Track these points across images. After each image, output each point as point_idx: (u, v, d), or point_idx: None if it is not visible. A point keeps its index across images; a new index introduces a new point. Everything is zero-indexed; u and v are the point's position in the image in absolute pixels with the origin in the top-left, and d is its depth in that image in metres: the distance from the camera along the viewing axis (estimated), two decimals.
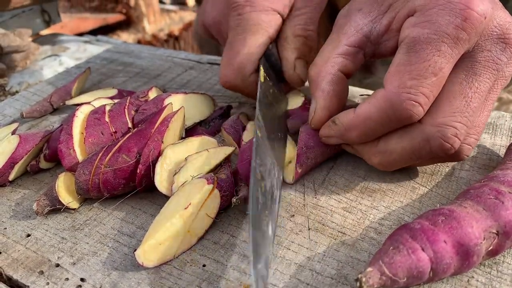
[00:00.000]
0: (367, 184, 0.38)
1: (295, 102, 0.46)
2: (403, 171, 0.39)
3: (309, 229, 0.34)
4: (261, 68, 0.43)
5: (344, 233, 0.34)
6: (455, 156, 0.35)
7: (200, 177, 0.35)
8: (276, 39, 0.45)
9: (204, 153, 0.38)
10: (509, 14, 0.34)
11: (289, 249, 0.32)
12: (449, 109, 0.33)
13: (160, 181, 0.36)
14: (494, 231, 0.29)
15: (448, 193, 0.37)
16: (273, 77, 0.45)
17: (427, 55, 0.32)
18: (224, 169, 0.37)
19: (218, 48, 1.09)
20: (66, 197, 0.37)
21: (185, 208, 0.32)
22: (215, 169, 0.38)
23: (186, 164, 0.37)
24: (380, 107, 0.33)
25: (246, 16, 0.43)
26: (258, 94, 0.39)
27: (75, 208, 0.37)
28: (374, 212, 0.35)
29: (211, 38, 0.52)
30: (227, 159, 0.39)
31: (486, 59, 0.33)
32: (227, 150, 0.39)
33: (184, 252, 0.33)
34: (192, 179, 0.35)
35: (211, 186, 0.34)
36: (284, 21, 0.45)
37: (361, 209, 0.36)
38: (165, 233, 0.32)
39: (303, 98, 0.46)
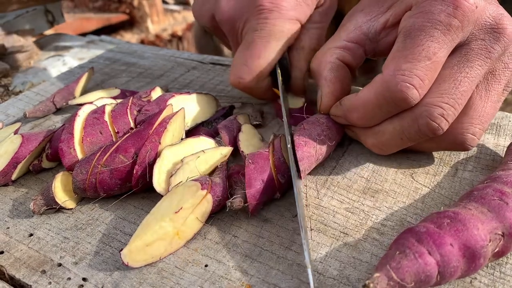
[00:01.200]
0: (370, 185, 0.38)
1: (296, 103, 0.48)
2: (406, 172, 0.39)
3: (311, 230, 0.34)
4: (279, 71, 0.45)
5: (346, 234, 0.33)
6: (458, 145, 0.37)
7: (195, 180, 0.35)
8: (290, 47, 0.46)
9: (200, 154, 0.38)
10: (501, 7, 0.35)
11: (291, 249, 0.32)
12: (437, 90, 0.34)
13: (158, 182, 0.36)
14: (500, 232, 0.28)
15: (451, 194, 0.37)
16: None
17: (420, 41, 0.34)
18: (220, 171, 0.37)
19: (217, 50, 1.09)
20: (63, 197, 0.37)
21: (176, 212, 0.32)
22: (212, 170, 0.38)
23: (182, 166, 0.36)
24: (377, 90, 0.35)
25: (272, 21, 0.43)
26: (281, 92, 0.43)
27: (72, 208, 0.37)
28: (377, 212, 0.35)
29: (214, 32, 0.51)
30: (224, 160, 0.39)
31: (479, 47, 0.34)
32: (223, 151, 0.39)
33: (171, 254, 0.33)
34: (187, 180, 0.35)
35: (204, 191, 0.33)
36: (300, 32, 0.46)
37: (364, 209, 0.36)
38: (153, 235, 0.32)
39: (303, 100, 0.48)
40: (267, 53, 0.44)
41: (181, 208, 0.32)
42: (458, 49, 0.35)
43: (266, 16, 0.43)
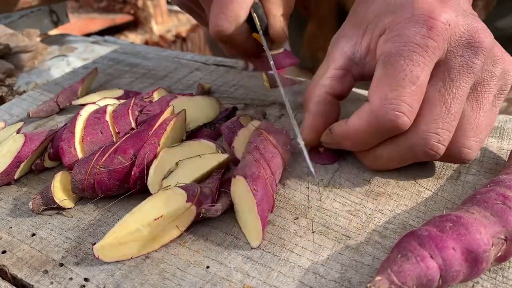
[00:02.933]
0: (372, 187, 0.38)
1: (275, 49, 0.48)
2: (408, 175, 0.39)
3: (313, 232, 0.34)
4: (254, 15, 0.44)
5: (348, 236, 0.33)
6: (455, 159, 0.37)
7: (184, 188, 0.34)
8: None
9: (196, 159, 0.37)
10: (478, 19, 0.35)
11: (293, 252, 0.32)
12: (430, 116, 0.34)
13: (153, 184, 0.36)
14: (503, 237, 0.28)
15: (453, 197, 0.36)
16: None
17: (401, 66, 0.34)
18: (212, 180, 0.36)
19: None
20: (61, 197, 0.37)
21: (155, 219, 0.32)
22: (206, 177, 0.37)
23: (176, 169, 0.36)
24: (367, 120, 0.35)
25: None
26: (260, 34, 0.42)
27: (70, 208, 0.37)
28: (379, 215, 0.35)
29: (189, 10, 0.51)
30: (221, 167, 0.38)
31: (460, 64, 0.34)
32: (220, 158, 0.38)
33: (143, 255, 0.33)
34: (176, 185, 0.34)
35: (189, 204, 0.33)
36: None
37: (366, 212, 0.35)
38: (128, 235, 0.32)
39: (283, 49, 0.48)
40: None
41: (161, 216, 0.32)
42: (439, 69, 0.35)
43: None
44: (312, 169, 0.34)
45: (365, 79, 0.41)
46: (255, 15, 0.44)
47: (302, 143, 0.35)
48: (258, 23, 0.44)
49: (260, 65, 0.50)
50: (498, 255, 0.28)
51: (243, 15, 0.44)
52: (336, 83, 0.39)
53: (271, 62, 0.42)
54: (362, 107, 0.36)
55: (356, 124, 0.36)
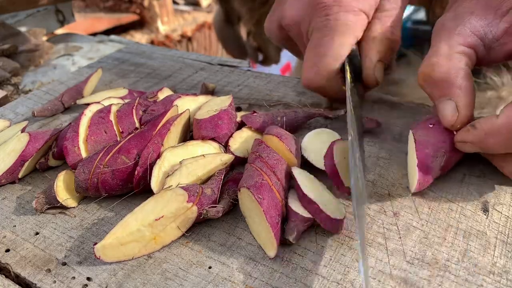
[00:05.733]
0: (376, 189, 0.38)
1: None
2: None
3: (316, 233, 0.34)
4: (347, 68, 0.43)
5: (351, 238, 0.33)
6: None
7: (185, 188, 0.34)
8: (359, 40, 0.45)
9: (199, 159, 0.37)
10: None
11: (295, 253, 0.32)
12: None
13: (156, 183, 0.36)
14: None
15: (457, 199, 0.36)
16: (353, 77, 0.45)
17: None
18: (214, 181, 0.36)
19: (241, 47, 1.10)
20: (64, 196, 0.37)
21: (156, 220, 0.32)
22: (209, 176, 0.37)
23: (180, 168, 0.36)
24: None
25: (334, 16, 0.42)
26: (347, 94, 0.39)
27: (73, 207, 0.38)
28: (382, 217, 0.35)
29: (284, 42, 0.51)
30: (223, 167, 0.38)
31: None
32: (223, 158, 0.38)
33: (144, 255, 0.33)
34: (178, 185, 0.34)
35: (190, 204, 0.33)
36: (369, 22, 0.44)
37: (369, 213, 0.35)
38: (129, 236, 0.32)
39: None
40: (333, 49, 0.42)
41: (162, 217, 0.32)
42: None
43: (327, 12, 0.42)
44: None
45: (483, 63, 0.37)
46: (347, 68, 0.43)
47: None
48: (348, 78, 0.42)
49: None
50: None
51: (336, 69, 0.43)
52: (468, 60, 0.35)
53: (348, 115, 0.38)
54: None
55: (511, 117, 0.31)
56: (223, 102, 0.44)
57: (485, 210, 0.35)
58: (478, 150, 0.35)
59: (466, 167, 0.40)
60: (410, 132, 0.38)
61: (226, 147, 0.41)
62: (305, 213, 0.33)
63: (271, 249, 0.32)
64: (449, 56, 0.35)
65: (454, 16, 0.37)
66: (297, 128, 0.46)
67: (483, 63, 0.37)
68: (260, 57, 1.08)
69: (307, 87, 0.45)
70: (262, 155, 0.36)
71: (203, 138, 0.40)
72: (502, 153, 0.35)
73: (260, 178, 0.34)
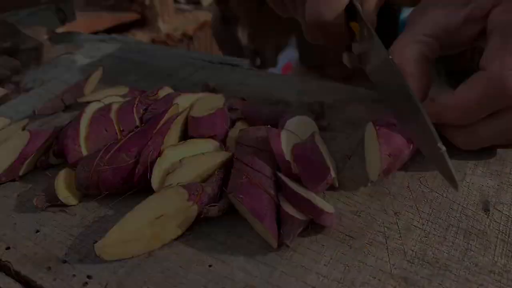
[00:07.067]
0: (377, 188, 0.38)
1: None
2: (413, 176, 0.39)
3: (316, 233, 0.34)
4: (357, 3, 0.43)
5: (351, 237, 0.33)
6: None
7: (186, 186, 0.34)
8: None
9: (199, 157, 0.37)
10: None
11: (296, 251, 0.32)
12: None
13: (157, 181, 0.36)
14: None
15: (458, 199, 0.36)
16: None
17: None
18: (214, 180, 0.36)
19: (238, 50, 1.10)
20: (65, 194, 0.37)
21: (157, 218, 0.32)
22: (210, 174, 0.37)
23: (180, 167, 0.36)
24: (482, 88, 0.34)
25: None
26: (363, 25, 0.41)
27: (74, 205, 0.38)
28: (383, 216, 0.35)
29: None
30: (224, 165, 0.38)
31: None
32: (224, 156, 0.38)
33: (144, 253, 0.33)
34: (177, 184, 0.34)
35: (191, 203, 0.33)
36: None
37: (370, 212, 0.35)
38: (130, 234, 0.32)
39: None
40: None
41: (162, 215, 0.32)
42: None
43: None
44: (455, 178, 0.30)
45: (449, 49, 0.41)
46: (356, 3, 0.42)
47: (443, 148, 0.30)
48: (360, 8, 0.42)
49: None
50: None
51: (346, 2, 0.42)
52: (426, 48, 0.39)
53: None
54: (475, 76, 0.35)
55: (466, 92, 0.35)
56: (216, 100, 0.44)
57: (486, 209, 0.35)
58: (436, 121, 0.37)
59: (467, 167, 0.40)
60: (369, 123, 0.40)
61: (224, 145, 0.41)
62: (299, 215, 0.32)
63: (272, 240, 0.32)
64: (403, 45, 0.39)
65: (421, 8, 0.41)
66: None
67: (449, 48, 0.41)
68: (258, 61, 1.07)
69: (313, 21, 0.43)
70: (238, 157, 0.37)
71: (201, 136, 0.40)
72: (455, 125, 0.38)
73: (240, 179, 0.34)
